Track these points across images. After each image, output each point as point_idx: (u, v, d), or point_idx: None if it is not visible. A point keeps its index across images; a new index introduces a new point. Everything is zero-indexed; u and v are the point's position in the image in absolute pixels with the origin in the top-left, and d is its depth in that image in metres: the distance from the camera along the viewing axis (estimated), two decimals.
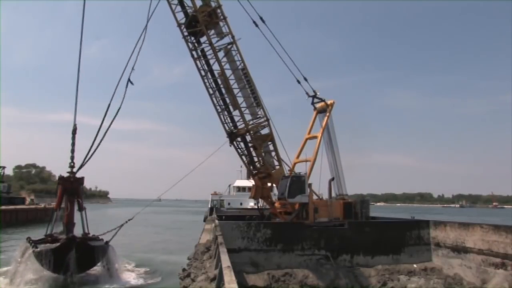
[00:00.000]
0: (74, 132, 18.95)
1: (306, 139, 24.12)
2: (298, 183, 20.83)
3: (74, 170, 19.51)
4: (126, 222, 20.99)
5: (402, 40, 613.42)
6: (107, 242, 19.89)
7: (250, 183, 58.82)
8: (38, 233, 47.04)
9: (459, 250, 18.41)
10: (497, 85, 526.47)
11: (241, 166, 70.05)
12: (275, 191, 23.39)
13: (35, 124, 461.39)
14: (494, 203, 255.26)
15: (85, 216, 19.81)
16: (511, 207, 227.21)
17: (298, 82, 23.21)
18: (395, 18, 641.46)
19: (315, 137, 23.50)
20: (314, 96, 24.11)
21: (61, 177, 18.75)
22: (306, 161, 22.90)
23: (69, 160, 19.18)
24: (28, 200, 76.18)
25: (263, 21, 21.06)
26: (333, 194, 23.29)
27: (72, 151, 18.90)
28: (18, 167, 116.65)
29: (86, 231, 20.56)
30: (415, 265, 19.21)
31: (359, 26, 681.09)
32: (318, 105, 24.38)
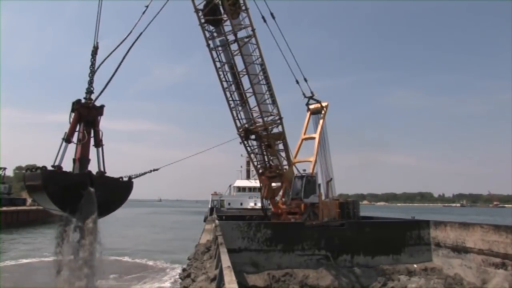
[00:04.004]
0: (94, 52, 15.75)
1: (302, 140, 24.18)
2: (311, 183, 21.01)
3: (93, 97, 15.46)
4: (150, 171, 18.21)
5: (402, 39, 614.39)
6: (130, 178, 16.16)
7: (250, 183, 59.04)
8: (40, 233, 47.26)
9: (459, 250, 18.40)
10: (497, 85, 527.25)
11: (241, 166, 70.16)
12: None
13: (35, 125, 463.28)
14: (495, 202, 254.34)
15: (101, 153, 15.35)
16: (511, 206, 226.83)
17: (297, 82, 23.16)
18: (395, 18, 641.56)
19: (311, 138, 23.60)
20: (311, 97, 24.13)
21: (78, 101, 14.72)
22: (306, 161, 22.96)
23: (87, 85, 15.55)
24: (29, 201, 76.15)
25: (273, 17, 20.75)
26: (334, 195, 23.41)
27: (91, 74, 15.74)
28: (19, 168, 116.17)
29: (103, 170, 15.61)
30: (415, 265, 19.20)
31: (360, 26, 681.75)
32: (312, 107, 24.46)
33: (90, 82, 15.68)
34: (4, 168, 76.51)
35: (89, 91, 15.55)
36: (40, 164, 13.78)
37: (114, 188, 15.20)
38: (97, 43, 15.86)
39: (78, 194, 13.36)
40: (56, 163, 13.77)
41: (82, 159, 14.58)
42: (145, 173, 17.40)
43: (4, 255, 30.69)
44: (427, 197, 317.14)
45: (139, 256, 30.44)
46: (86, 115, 15.08)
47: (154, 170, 18.10)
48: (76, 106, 14.80)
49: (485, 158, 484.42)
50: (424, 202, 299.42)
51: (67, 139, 14.32)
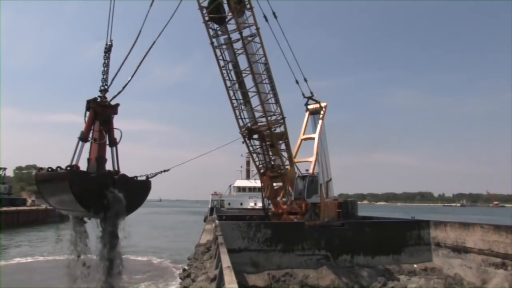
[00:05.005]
0: (108, 49, 15.51)
1: (302, 140, 24.19)
2: (314, 183, 21.11)
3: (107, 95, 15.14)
4: (161, 172, 17.95)
5: (403, 39, 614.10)
6: (147, 177, 16.01)
7: (250, 183, 58.90)
8: (41, 233, 47.25)
9: (460, 250, 18.41)
10: (497, 84, 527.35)
11: (241, 167, 70.10)
12: None
13: (35, 125, 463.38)
14: (495, 202, 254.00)
15: (116, 152, 15.13)
16: None
17: (297, 82, 23.11)
18: (395, 17, 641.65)
19: (310, 138, 23.64)
20: (310, 98, 24.12)
21: (93, 99, 14.37)
22: (306, 161, 23.01)
23: (100, 83, 15.10)
24: (29, 201, 76.19)
25: (275, 16, 20.69)
26: (335, 195, 23.51)
27: (105, 72, 15.26)
28: (19, 168, 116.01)
29: (117, 169, 15.33)
30: (415, 265, 19.21)
31: (360, 26, 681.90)
32: (311, 107, 24.47)
33: (104, 80, 15.31)
34: (4, 168, 76.54)
35: (104, 90, 15.19)
36: (40, 165, 13.24)
37: (135, 188, 14.94)
38: (111, 40, 15.53)
39: (102, 194, 13.09)
40: (69, 163, 13.08)
41: (99, 158, 14.27)
42: (156, 174, 16.99)
43: (4, 255, 30.69)
44: (427, 197, 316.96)
45: (140, 255, 30.44)
46: (102, 114, 14.78)
47: (165, 171, 17.85)
48: (92, 104, 14.42)
49: (485, 158, 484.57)
50: (424, 202, 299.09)
51: (84, 138, 13.96)
